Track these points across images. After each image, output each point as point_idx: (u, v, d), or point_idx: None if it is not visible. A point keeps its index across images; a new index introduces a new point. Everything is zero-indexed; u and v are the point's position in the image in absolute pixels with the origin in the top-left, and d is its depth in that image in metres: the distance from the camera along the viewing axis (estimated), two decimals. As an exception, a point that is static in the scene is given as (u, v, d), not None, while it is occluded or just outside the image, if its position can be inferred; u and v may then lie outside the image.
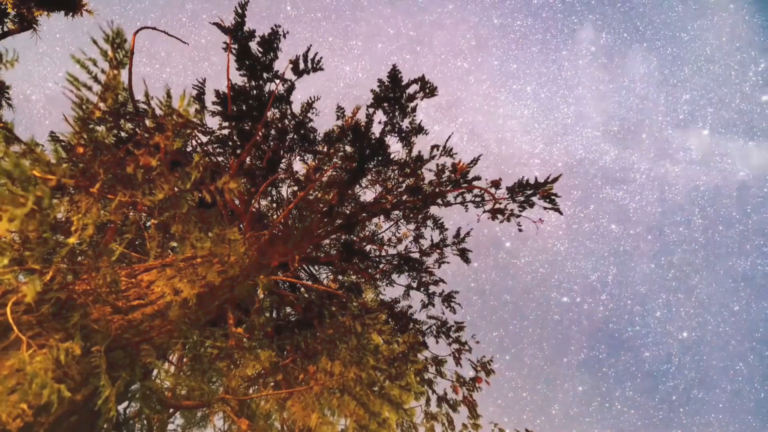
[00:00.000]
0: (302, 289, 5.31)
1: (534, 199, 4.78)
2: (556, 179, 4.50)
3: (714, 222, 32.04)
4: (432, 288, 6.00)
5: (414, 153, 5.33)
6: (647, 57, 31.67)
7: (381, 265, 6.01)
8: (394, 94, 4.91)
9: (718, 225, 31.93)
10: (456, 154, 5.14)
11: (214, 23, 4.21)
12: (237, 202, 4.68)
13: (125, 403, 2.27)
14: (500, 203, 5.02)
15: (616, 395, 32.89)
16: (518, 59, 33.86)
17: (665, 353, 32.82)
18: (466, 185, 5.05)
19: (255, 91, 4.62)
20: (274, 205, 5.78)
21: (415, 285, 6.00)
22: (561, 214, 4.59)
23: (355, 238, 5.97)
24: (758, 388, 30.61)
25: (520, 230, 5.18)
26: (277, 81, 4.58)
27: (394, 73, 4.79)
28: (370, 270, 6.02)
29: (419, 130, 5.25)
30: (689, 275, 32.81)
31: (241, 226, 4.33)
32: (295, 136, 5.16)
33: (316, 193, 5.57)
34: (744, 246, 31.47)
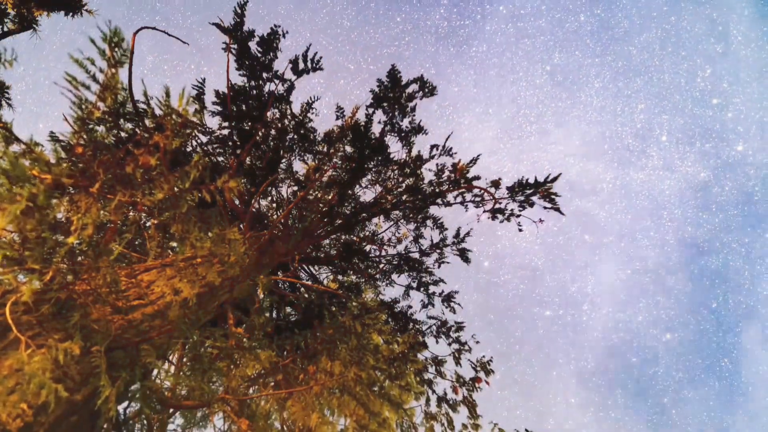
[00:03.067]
0: (302, 289, 5.31)
1: (534, 198, 4.78)
2: (555, 178, 4.50)
3: (682, 223, 33.27)
4: (432, 288, 6.00)
5: (414, 153, 5.33)
6: (600, 71, 33.47)
7: (381, 265, 6.01)
8: (394, 94, 4.91)
9: (687, 226, 33.14)
10: (455, 153, 5.14)
11: (214, 23, 4.20)
12: (237, 202, 4.67)
13: (125, 403, 2.27)
14: (500, 203, 5.02)
15: (609, 403, 33.42)
16: (477, 84, 35.42)
17: (652, 356, 33.51)
18: (465, 185, 5.05)
19: (255, 91, 4.62)
20: (274, 205, 5.78)
21: (415, 285, 6.00)
22: (562, 214, 4.59)
23: (355, 238, 5.96)
24: (745, 382, 31.12)
25: (520, 230, 5.18)
26: (277, 81, 4.58)
27: (394, 73, 4.79)
28: (370, 270, 6.02)
29: (419, 129, 5.25)
30: (665, 277, 33.81)
31: (241, 226, 4.33)
32: (295, 136, 5.16)
33: (316, 193, 5.57)
34: (714, 244, 32.55)
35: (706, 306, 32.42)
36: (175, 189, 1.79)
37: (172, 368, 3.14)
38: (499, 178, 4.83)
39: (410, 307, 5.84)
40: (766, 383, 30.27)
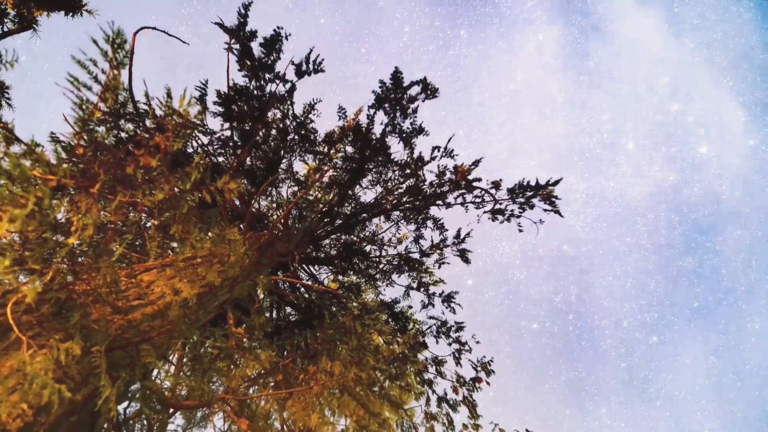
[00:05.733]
0: (302, 289, 5.31)
1: (534, 201, 4.78)
2: (557, 182, 4.50)
3: (656, 227, 33.94)
4: (432, 288, 6.00)
5: (415, 154, 5.33)
6: (563, 86, 34.72)
7: (381, 266, 6.01)
8: (396, 95, 4.91)
9: (661, 229, 33.84)
10: (457, 155, 5.14)
11: (216, 23, 4.20)
12: (237, 202, 4.68)
13: (125, 403, 2.27)
14: (500, 204, 5.01)
15: (603, 411, 33.75)
16: (445, 107, 36.50)
17: (640, 360, 33.89)
18: (466, 186, 5.05)
19: (257, 92, 4.62)
20: (274, 205, 5.79)
21: (415, 285, 5.99)
22: (561, 216, 4.59)
23: (355, 239, 5.97)
24: (734, 378, 31.45)
25: (520, 230, 5.18)
26: (278, 82, 4.58)
27: (396, 75, 4.79)
28: (370, 270, 6.02)
29: (420, 131, 5.25)
30: (645, 281, 34.33)
31: (241, 226, 4.33)
32: (296, 137, 5.16)
33: (317, 193, 5.57)
34: (689, 245, 33.28)
35: (688, 306, 33.05)
36: (176, 189, 1.80)
37: (172, 368, 3.14)
38: (500, 179, 4.83)
39: (410, 307, 5.84)
40: (754, 377, 30.75)
